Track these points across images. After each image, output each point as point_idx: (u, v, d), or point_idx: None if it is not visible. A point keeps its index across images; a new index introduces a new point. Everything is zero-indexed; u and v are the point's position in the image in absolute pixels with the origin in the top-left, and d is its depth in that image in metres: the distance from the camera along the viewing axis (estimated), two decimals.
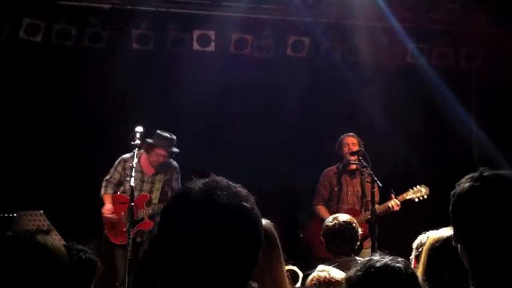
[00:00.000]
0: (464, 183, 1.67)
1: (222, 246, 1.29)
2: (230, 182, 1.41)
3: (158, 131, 5.59)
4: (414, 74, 6.99)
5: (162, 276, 1.33)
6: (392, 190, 5.53)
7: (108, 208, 5.53)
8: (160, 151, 5.56)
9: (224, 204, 1.32)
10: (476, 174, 1.67)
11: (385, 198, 5.62)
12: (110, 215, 5.49)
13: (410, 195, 5.58)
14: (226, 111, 6.98)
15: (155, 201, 5.62)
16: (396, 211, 5.52)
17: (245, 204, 1.35)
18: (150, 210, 5.55)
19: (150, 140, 5.53)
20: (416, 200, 5.58)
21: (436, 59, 6.92)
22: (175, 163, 5.75)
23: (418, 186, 5.61)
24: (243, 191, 1.39)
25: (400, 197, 5.55)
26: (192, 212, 1.32)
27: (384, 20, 6.67)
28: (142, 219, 5.56)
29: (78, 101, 6.60)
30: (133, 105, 6.72)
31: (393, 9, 6.54)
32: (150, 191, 5.67)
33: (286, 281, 2.49)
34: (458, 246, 1.68)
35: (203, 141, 6.84)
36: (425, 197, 5.58)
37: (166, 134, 5.60)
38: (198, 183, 1.38)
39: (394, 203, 5.50)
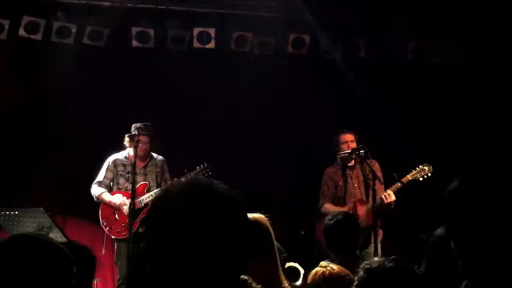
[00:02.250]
0: (456, 182, 1.71)
1: (204, 247, 1.31)
2: (212, 180, 1.42)
3: (135, 124, 5.72)
4: (415, 71, 6.99)
5: (156, 276, 1.34)
6: (394, 174, 5.50)
7: (123, 200, 5.59)
8: (143, 138, 5.73)
9: (206, 204, 1.34)
10: (467, 174, 1.71)
11: (388, 182, 5.59)
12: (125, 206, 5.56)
13: (414, 175, 5.53)
14: (226, 109, 6.97)
15: (153, 189, 5.77)
16: (391, 202, 5.46)
17: (227, 202, 1.36)
18: (153, 195, 5.67)
19: (132, 133, 5.69)
20: (421, 179, 5.51)
21: (437, 56, 6.92)
22: (161, 157, 5.96)
23: (420, 166, 5.58)
24: (225, 188, 1.39)
25: (404, 179, 5.49)
26: (175, 212, 1.34)
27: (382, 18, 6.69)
28: (147, 204, 5.67)
29: (78, 98, 6.60)
30: (134, 103, 6.72)
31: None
32: (145, 181, 5.84)
33: (281, 273, 2.50)
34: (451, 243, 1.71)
35: (204, 140, 6.84)
36: (430, 174, 5.53)
37: (143, 123, 5.78)
38: (179, 184, 1.39)
39: (385, 194, 5.45)
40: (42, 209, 4.88)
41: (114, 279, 5.98)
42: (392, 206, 5.47)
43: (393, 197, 5.43)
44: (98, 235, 6.38)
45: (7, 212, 4.79)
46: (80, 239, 5.73)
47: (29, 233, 1.88)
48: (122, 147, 5.93)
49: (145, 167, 5.87)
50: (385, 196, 5.41)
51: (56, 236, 4.63)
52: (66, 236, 4.59)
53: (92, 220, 6.63)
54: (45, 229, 4.58)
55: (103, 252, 5.99)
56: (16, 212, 4.80)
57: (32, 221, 4.69)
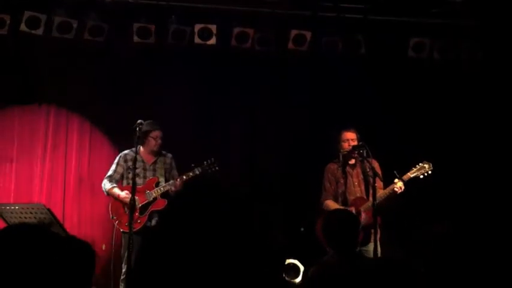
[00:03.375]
0: None
1: None
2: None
3: (142, 121, 5.61)
4: (414, 68, 6.98)
5: None
6: (395, 172, 5.50)
7: (125, 194, 5.66)
8: (156, 133, 5.87)
9: None
10: None
11: (388, 180, 5.60)
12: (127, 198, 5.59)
13: (414, 173, 5.54)
14: (228, 105, 6.98)
15: (162, 184, 5.86)
16: (402, 192, 5.48)
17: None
18: (162, 189, 5.79)
19: (143, 129, 5.64)
20: (421, 176, 5.54)
21: (438, 52, 6.89)
22: (170, 154, 6.06)
23: (420, 163, 5.59)
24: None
25: (405, 177, 5.51)
26: None
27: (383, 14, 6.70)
28: (155, 199, 5.78)
29: (79, 94, 6.60)
30: (134, 99, 6.72)
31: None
32: (155, 177, 5.94)
33: None
34: None
35: (205, 136, 6.85)
36: (430, 172, 5.54)
37: (148, 120, 5.83)
38: None
39: (398, 186, 5.47)
40: (42, 204, 4.89)
41: (115, 273, 5.98)
42: (396, 197, 5.51)
43: (402, 187, 5.46)
44: (100, 230, 6.42)
45: (7, 207, 4.81)
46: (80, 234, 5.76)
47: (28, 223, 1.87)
48: (124, 144, 5.97)
49: (154, 163, 5.96)
50: (396, 189, 5.43)
51: (57, 231, 4.64)
52: (66, 232, 4.60)
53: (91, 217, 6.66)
54: (46, 224, 4.59)
55: (103, 248, 6.03)
56: (16, 207, 4.82)
57: (32, 217, 4.71)
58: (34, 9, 6.21)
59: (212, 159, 5.88)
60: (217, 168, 5.85)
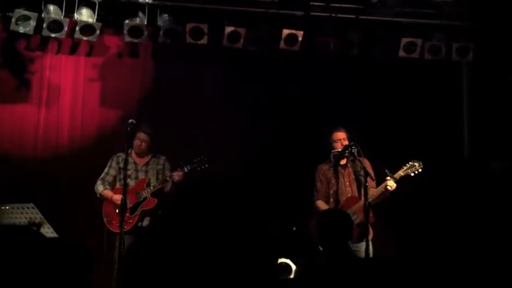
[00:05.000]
0: None
1: None
2: None
3: (133, 121, 5.61)
4: (407, 68, 7.01)
5: None
6: (386, 170, 5.52)
7: (118, 196, 5.62)
8: (140, 135, 5.87)
9: None
10: None
11: (379, 178, 5.61)
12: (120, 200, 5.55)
13: (405, 171, 5.58)
14: (221, 106, 6.97)
15: (153, 184, 5.85)
16: (395, 190, 5.51)
17: None
18: (152, 188, 5.79)
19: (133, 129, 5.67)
20: (412, 174, 5.58)
21: (429, 53, 6.92)
22: (163, 156, 6.03)
23: (410, 162, 5.63)
24: None
25: (396, 175, 5.54)
26: None
27: (375, 14, 6.71)
28: (145, 198, 5.77)
29: (71, 93, 6.58)
30: (125, 98, 6.71)
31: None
32: (145, 178, 5.92)
33: None
34: None
35: (196, 135, 6.84)
36: (420, 170, 5.58)
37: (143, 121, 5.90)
38: None
39: (390, 184, 5.50)
40: (32, 204, 4.87)
41: (107, 275, 5.95)
42: (388, 195, 5.53)
43: (394, 186, 5.48)
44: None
45: None
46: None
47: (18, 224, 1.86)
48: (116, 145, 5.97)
49: (146, 164, 5.95)
50: (389, 188, 5.46)
51: (47, 231, 4.63)
52: (56, 232, 4.58)
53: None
54: (36, 224, 4.56)
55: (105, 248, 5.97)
56: (7, 207, 4.79)
57: (22, 217, 4.68)
58: (25, 8, 6.17)
59: (202, 156, 5.84)
60: (206, 165, 5.81)
